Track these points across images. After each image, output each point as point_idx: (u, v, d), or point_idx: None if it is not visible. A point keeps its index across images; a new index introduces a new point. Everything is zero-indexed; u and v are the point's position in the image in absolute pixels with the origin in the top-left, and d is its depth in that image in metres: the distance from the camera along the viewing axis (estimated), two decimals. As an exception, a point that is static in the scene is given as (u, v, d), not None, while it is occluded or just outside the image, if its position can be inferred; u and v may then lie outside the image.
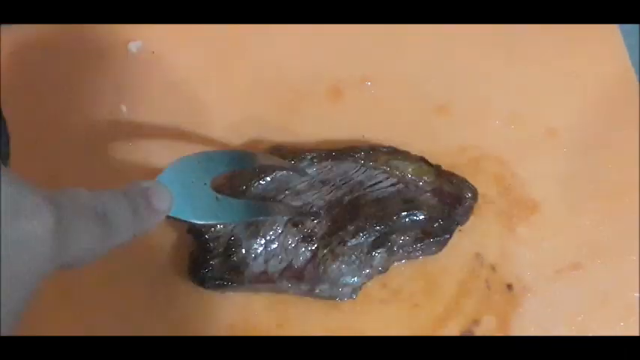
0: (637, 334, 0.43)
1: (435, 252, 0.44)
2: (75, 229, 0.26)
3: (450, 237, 0.44)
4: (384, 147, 0.45)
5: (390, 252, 0.43)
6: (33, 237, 0.24)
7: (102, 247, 0.28)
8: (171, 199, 0.32)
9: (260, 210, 0.41)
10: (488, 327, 0.44)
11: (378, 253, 0.43)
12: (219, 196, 0.37)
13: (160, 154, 0.46)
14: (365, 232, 0.43)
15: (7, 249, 0.23)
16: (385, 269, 0.43)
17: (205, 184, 0.36)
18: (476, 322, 0.44)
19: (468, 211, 0.45)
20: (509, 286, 0.44)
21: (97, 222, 0.28)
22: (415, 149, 0.46)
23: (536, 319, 0.44)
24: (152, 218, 0.31)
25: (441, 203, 0.44)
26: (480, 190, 0.45)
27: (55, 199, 0.26)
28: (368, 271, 0.43)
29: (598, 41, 0.51)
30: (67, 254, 0.26)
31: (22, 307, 0.24)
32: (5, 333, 0.24)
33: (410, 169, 0.44)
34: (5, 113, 0.46)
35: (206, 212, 0.36)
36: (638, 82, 0.50)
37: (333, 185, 0.44)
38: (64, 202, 0.26)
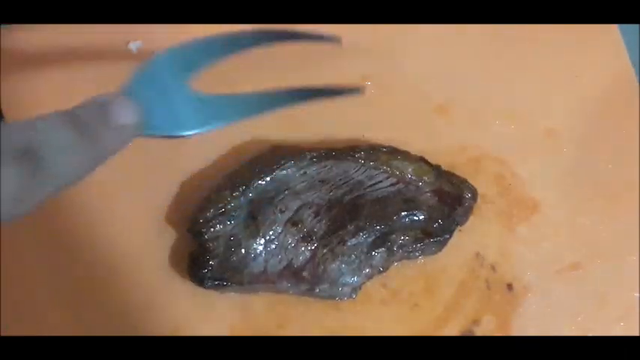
0: (637, 334, 0.43)
1: (435, 252, 0.44)
2: None
3: (450, 237, 0.44)
4: (384, 147, 0.45)
5: (390, 252, 0.43)
6: None
7: (39, 189, 0.23)
8: (137, 111, 0.26)
9: (257, 104, 0.34)
10: (488, 327, 0.44)
11: (378, 252, 0.43)
12: (203, 95, 0.30)
13: (161, 153, 0.46)
14: (365, 232, 0.43)
15: None
16: (385, 269, 0.43)
17: (184, 83, 0.30)
18: (476, 322, 0.44)
19: (468, 212, 0.45)
20: (510, 286, 0.45)
21: (17, 162, 0.22)
22: (415, 149, 0.46)
23: (536, 319, 0.44)
24: (114, 137, 0.26)
25: (441, 203, 0.44)
26: (479, 190, 0.45)
27: None
28: (368, 270, 0.43)
29: (598, 41, 0.51)
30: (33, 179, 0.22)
31: None
32: None
33: (410, 169, 0.45)
34: (5, 113, 0.46)
35: (189, 120, 0.29)
36: (638, 82, 0.50)
37: (332, 185, 0.44)
38: None
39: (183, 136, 0.30)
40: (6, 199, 0.22)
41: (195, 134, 0.30)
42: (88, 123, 0.25)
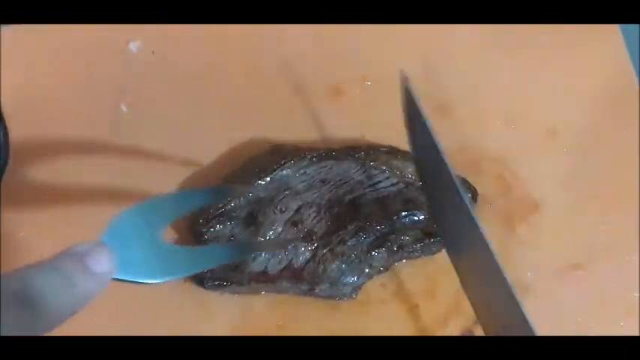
0: (637, 333, 0.43)
1: (435, 252, 0.44)
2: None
3: (450, 237, 0.44)
4: (384, 147, 0.45)
5: (390, 252, 0.43)
6: None
7: (34, 328, 0.26)
8: (112, 259, 0.29)
9: (220, 255, 0.37)
10: (488, 327, 0.43)
11: (378, 252, 0.43)
12: (174, 246, 0.33)
13: (161, 153, 0.46)
14: (365, 232, 0.43)
15: None
16: (385, 269, 0.43)
17: (155, 235, 0.32)
18: (476, 322, 0.43)
19: (468, 212, 0.45)
20: (510, 286, 0.44)
21: (19, 306, 0.25)
22: (415, 149, 0.46)
23: (536, 320, 0.44)
24: (92, 284, 0.28)
25: None
26: (480, 190, 0.45)
27: None
28: (368, 270, 0.43)
29: (598, 41, 0.51)
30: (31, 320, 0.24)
31: None
32: None
33: (410, 169, 0.44)
34: (5, 113, 0.46)
35: (160, 268, 0.31)
36: (638, 82, 0.50)
37: (332, 185, 0.44)
38: None
39: (150, 284, 0.32)
40: (15, 332, 0.24)
41: (161, 282, 0.32)
42: (70, 273, 0.27)
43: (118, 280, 0.29)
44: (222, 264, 0.39)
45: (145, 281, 0.31)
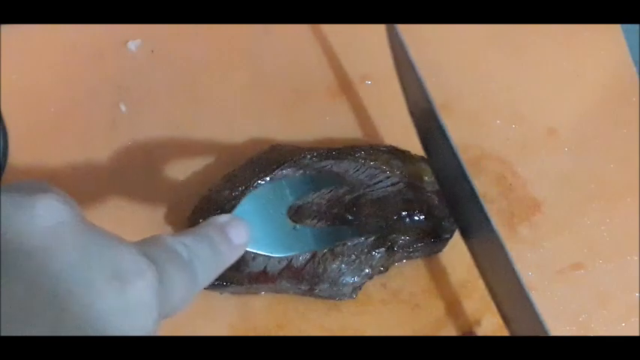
0: (638, 334, 0.43)
1: (436, 252, 0.44)
2: (171, 283, 0.25)
3: (451, 237, 0.44)
4: (384, 146, 0.45)
5: (391, 252, 0.43)
6: (141, 303, 0.23)
7: (191, 293, 0.27)
8: (249, 233, 0.31)
9: (334, 236, 0.41)
10: (489, 327, 0.43)
11: (378, 252, 0.42)
12: (297, 225, 0.36)
13: (160, 152, 0.46)
14: (365, 232, 0.42)
15: (114, 319, 0.22)
16: (385, 269, 0.43)
17: (282, 213, 0.35)
18: (477, 322, 0.44)
19: (469, 211, 0.45)
20: (510, 286, 0.44)
21: (186, 269, 0.26)
22: (415, 149, 0.46)
23: (536, 320, 0.44)
24: (231, 254, 0.30)
25: (441, 204, 0.44)
26: (480, 190, 0.45)
27: (149, 252, 0.24)
28: (368, 270, 0.42)
29: (599, 41, 0.51)
30: (167, 310, 0.25)
31: None
32: None
33: (410, 169, 0.44)
34: (5, 113, 0.46)
35: (284, 244, 0.35)
36: (638, 82, 0.50)
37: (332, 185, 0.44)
38: (157, 255, 0.25)
39: (276, 257, 0.38)
40: (180, 299, 0.26)
41: (284, 256, 0.39)
42: (217, 242, 0.29)
43: (248, 252, 0.32)
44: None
45: (272, 254, 0.34)
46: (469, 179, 0.38)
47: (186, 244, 0.27)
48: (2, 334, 0.20)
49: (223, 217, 0.30)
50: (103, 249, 0.23)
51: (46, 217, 0.22)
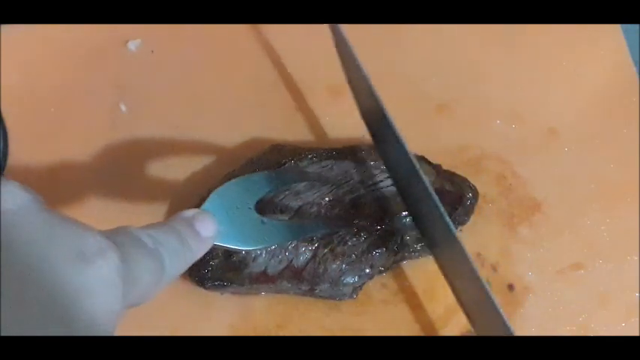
0: (638, 334, 0.43)
1: (436, 252, 0.44)
2: (136, 267, 0.26)
3: (451, 237, 0.44)
4: None
5: (391, 252, 0.43)
6: (101, 280, 0.24)
7: (159, 282, 0.27)
8: (216, 226, 0.32)
9: (302, 230, 0.41)
10: (489, 327, 0.43)
11: (379, 252, 0.42)
12: (265, 219, 0.36)
13: (160, 152, 0.46)
14: (365, 232, 0.42)
15: (78, 296, 0.22)
16: (386, 269, 0.43)
17: (250, 208, 0.36)
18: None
19: (469, 211, 0.45)
20: (511, 287, 0.44)
21: (152, 257, 0.27)
22: (416, 149, 0.46)
23: (537, 320, 0.44)
24: (199, 247, 0.31)
25: (442, 203, 0.44)
26: (480, 190, 0.45)
27: (112, 237, 0.25)
28: (368, 270, 0.42)
29: (599, 41, 0.51)
30: (132, 293, 0.25)
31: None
32: None
33: None
34: (5, 113, 0.46)
35: (252, 237, 0.35)
36: (638, 82, 0.50)
37: (333, 185, 0.44)
38: (120, 240, 0.26)
39: (244, 250, 0.38)
40: (146, 285, 0.26)
41: (253, 249, 0.39)
42: (184, 235, 0.30)
43: (217, 245, 0.32)
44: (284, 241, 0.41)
45: (240, 248, 0.35)
46: (420, 175, 0.38)
47: (151, 234, 0.28)
48: None
49: (190, 211, 0.31)
50: (65, 231, 0.24)
51: (8, 200, 0.23)
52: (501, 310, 0.35)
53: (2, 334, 0.21)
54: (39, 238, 0.23)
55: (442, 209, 0.37)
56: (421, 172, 0.38)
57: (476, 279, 0.36)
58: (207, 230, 0.31)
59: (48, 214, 0.24)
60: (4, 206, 0.23)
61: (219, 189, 0.35)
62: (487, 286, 0.36)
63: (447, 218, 0.37)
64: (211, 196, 0.34)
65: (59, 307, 0.22)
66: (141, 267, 0.26)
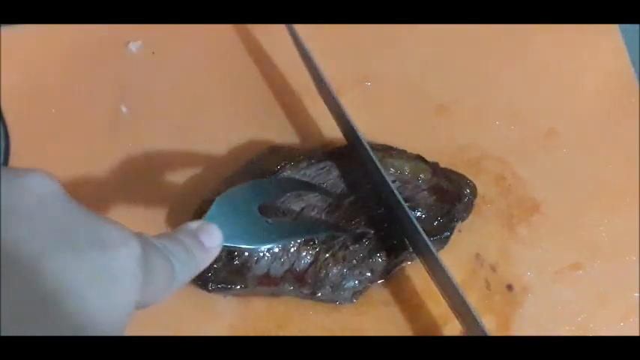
0: (637, 334, 0.43)
1: (437, 250, 0.44)
2: (153, 263, 0.26)
3: (451, 234, 0.44)
4: (379, 145, 0.45)
5: (391, 257, 0.42)
6: (123, 268, 0.24)
7: (169, 286, 0.28)
8: (221, 237, 0.33)
9: (306, 230, 0.42)
10: (488, 327, 0.43)
11: (379, 258, 0.42)
12: (269, 220, 0.38)
13: (161, 154, 0.46)
14: (366, 237, 0.42)
15: (100, 281, 0.23)
16: (387, 273, 0.43)
17: (254, 210, 0.37)
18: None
19: (468, 207, 0.44)
20: (510, 287, 0.44)
21: (165, 259, 0.28)
22: (415, 149, 0.46)
23: (536, 320, 0.44)
24: (204, 257, 0.32)
25: (439, 201, 0.44)
26: (480, 191, 0.45)
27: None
28: (369, 275, 0.42)
29: (598, 41, 0.51)
30: (147, 290, 0.26)
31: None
32: None
33: (406, 167, 0.44)
34: (6, 114, 0.46)
35: (258, 237, 0.37)
36: (637, 82, 0.50)
37: (332, 186, 0.44)
38: (140, 236, 0.26)
39: (250, 249, 0.40)
40: (160, 286, 0.27)
41: (259, 248, 0.40)
42: (190, 246, 0.30)
43: (225, 246, 0.33)
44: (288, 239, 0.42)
45: (246, 247, 0.36)
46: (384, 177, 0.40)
47: (161, 242, 0.29)
48: None
49: (195, 223, 0.32)
50: (89, 220, 0.24)
51: (33, 187, 0.24)
52: (476, 313, 0.38)
53: (26, 312, 0.21)
54: (61, 225, 0.23)
55: (417, 224, 0.40)
56: (389, 181, 0.41)
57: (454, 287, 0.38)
58: (211, 241, 0.32)
59: (73, 204, 0.25)
60: (30, 191, 0.24)
61: (224, 193, 0.36)
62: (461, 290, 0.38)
63: (423, 233, 0.40)
64: (216, 201, 0.35)
65: (77, 292, 0.23)
66: (157, 265, 0.27)
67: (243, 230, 0.35)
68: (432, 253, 0.39)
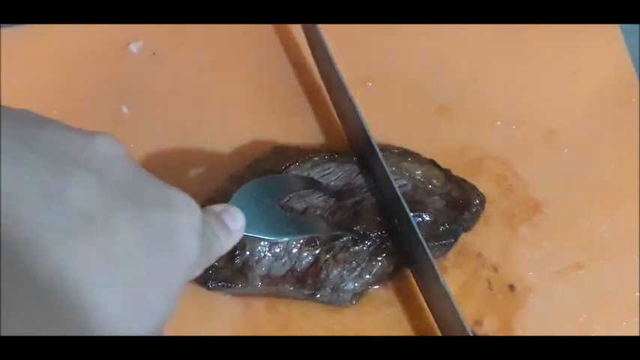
0: (638, 334, 0.43)
1: (439, 256, 0.44)
2: (207, 237, 0.28)
3: (455, 242, 0.44)
4: (396, 148, 0.45)
5: (391, 260, 0.42)
6: (189, 228, 0.25)
7: (205, 260, 0.29)
8: (244, 221, 0.33)
9: (324, 228, 0.42)
10: (490, 327, 0.43)
11: (380, 261, 0.42)
12: (288, 214, 0.39)
13: (162, 154, 0.46)
14: (368, 240, 0.42)
15: (169, 237, 0.24)
16: (387, 276, 0.43)
17: (273, 203, 0.38)
18: (478, 322, 0.44)
19: (475, 218, 0.44)
20: (512, 287, 0.44)
21: (212, 236, 0.30)
22: (416, 149, 0.46)
23: (538, 320, 0.44)
24: (228, 239, 0.32)
25: (448, 207, 0.44)
26: (481, 191, 0.45)
27: None
28: (369, 277, 0.42)
29: (598, 41, 0.51)
30: (200, 257, 0.26)
31: (172, 305, 0.25)
32: (156, 330, 0.25)
33: (419, 172, 0.44)
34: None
35: (277, 229, 0.37)
36: (638, 82, 0.50)
37: (334, 188, 0.43)
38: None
39: (271, 240, 0.40)
40: (191, 264, 0.27)
41: (280, 239, 0.40)
42: (215, 227, 0.31)
43: (247, 236, 0.34)
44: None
45: (268, 237, 0.37)
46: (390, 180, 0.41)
47: (206, 225, 0.29)
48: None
49: (219, 206, 0.33)
50: (155, 182, 0.25)
51: (103, 147, 0.25)
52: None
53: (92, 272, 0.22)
54: (131, 183, 0.24)
55: (419, 235, 0.40)
56: (395, 187, 0.41)
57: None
58: (235, 224, 0.33)
59: (140, 167, 0.26)
60: (100, 151, 0.24)
61: (244, 187, 0.37)
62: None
63: (424, 242, 0.40)
64: (237, 193, 0.36)
65: (152, 240, 0.24)
66: (208, 239, 0.28)
67: (263, 221, 0.36)
68: (432, 266, 0.40)
